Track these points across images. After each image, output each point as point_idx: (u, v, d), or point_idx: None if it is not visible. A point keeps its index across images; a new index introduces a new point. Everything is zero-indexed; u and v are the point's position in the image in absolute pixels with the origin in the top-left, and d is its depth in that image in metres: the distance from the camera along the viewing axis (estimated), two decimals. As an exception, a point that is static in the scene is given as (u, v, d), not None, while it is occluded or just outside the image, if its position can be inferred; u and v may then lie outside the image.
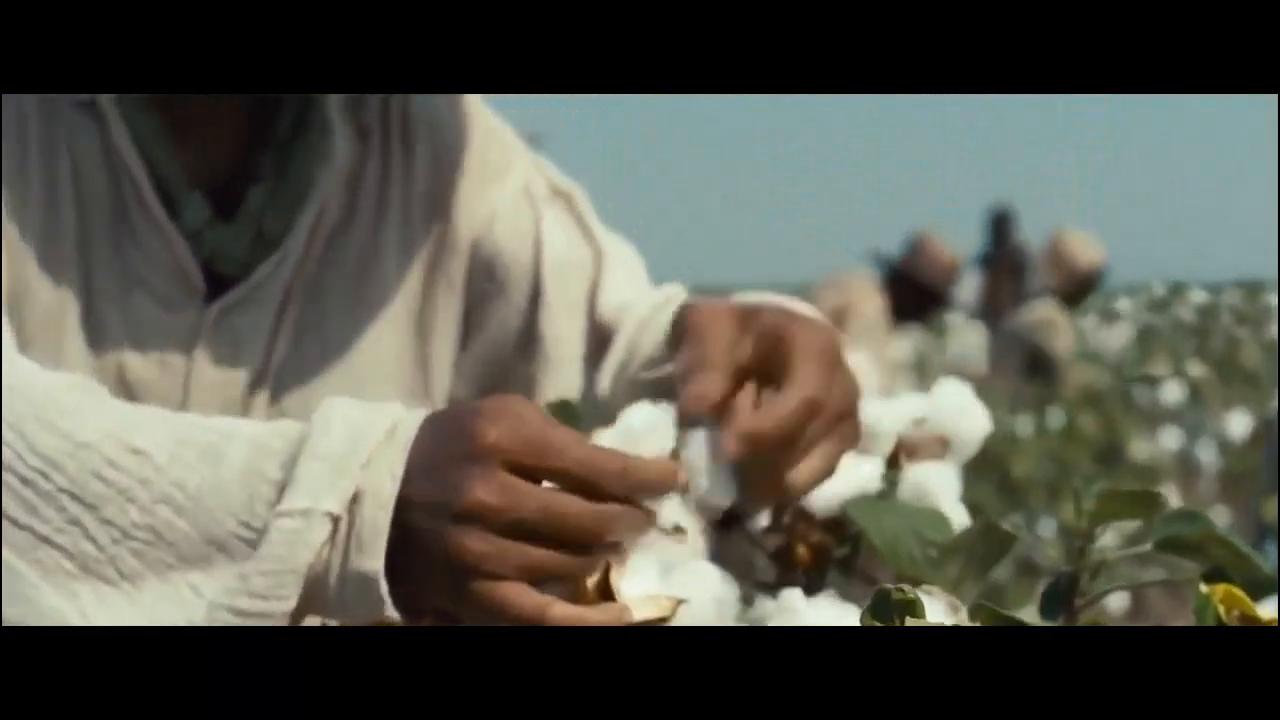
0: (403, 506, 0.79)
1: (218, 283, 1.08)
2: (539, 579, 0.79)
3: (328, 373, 1.12)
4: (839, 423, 0.89)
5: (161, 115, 1.06)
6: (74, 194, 1.05)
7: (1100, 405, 5.66)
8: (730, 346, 0.91)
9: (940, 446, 0.94)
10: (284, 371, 1.11)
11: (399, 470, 0.79)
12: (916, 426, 0.95)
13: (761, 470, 0.87)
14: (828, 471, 0.89)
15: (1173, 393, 6.25)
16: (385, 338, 1.14)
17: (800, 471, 0.88)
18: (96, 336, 1.05)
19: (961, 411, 0.94)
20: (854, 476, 0.93)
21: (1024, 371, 5.75)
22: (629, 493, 0.81)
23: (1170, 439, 5.64)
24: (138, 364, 1.06)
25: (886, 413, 0.95)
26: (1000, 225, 8.68)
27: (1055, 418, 5.38)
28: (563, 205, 1.17)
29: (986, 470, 4.69)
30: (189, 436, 0.82)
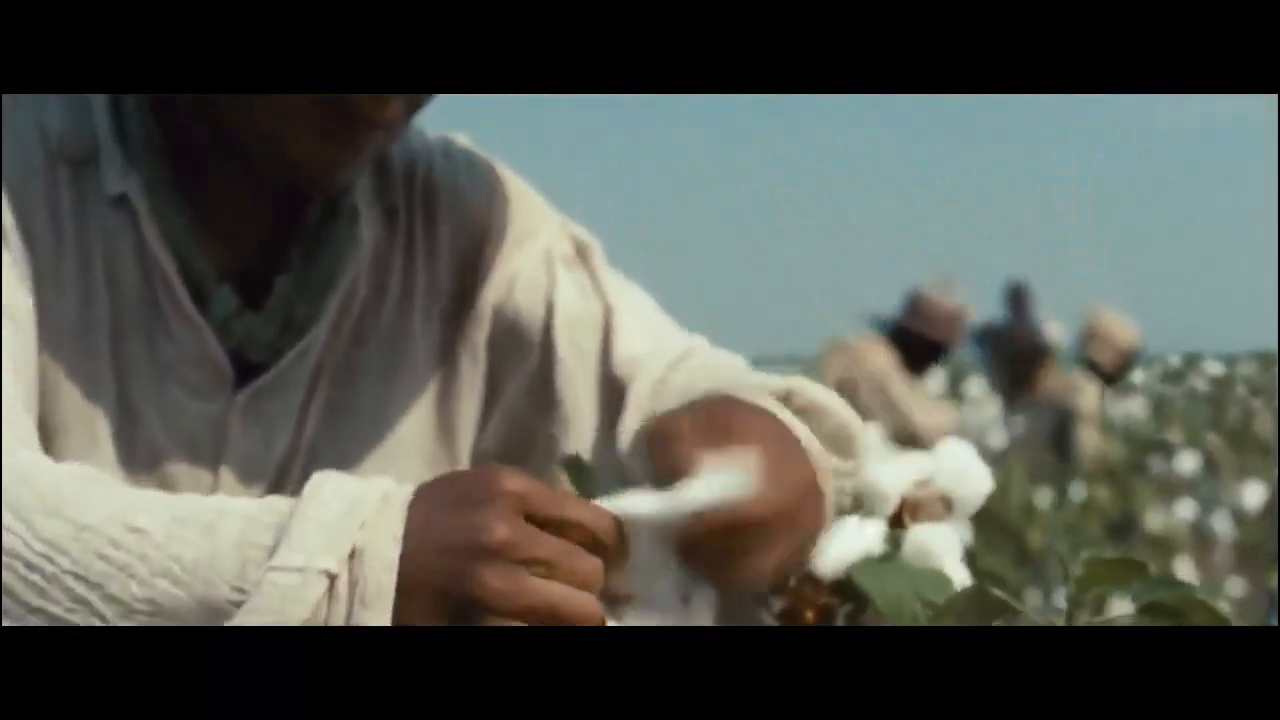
0: (417, 551, 0.81)
1: (247, 368, 1.10)
2: (544, 620, 0.81)
3: (359, 448, 1.14)
4: (783, 529, 0.89)
5: (191, 211, 1.08)
6: (107, 289, 1.07)
7: (1115, 476, 5.65)
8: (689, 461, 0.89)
9: (943, 506, 0.96)
10: (315, 450, 1.12)
11: (399, 532, 0.81)
12: (920, 487, 0.96)
13: (715, 567, 0.88)
14: (772, 571, 0.90)
15: (1188, 464, 6.23)
16: (413, 409, 1.16)
17: (755, 572, 0.88)
18: (129, 424, 1.07)
19: (964, 471, 0.96)
20: (859, 538, 0.94)
21: (1051, 441, 5.75)
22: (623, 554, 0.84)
23: (1185, 510, 5.61)
24: (170, 449, 1.08)
25: (890, 474, 0.96)
26: (1017, 300, 8.67)
27: (1075, 491, 5.37)
28: (579, 263, 1.19)
29: (1005, 541, 4.68)
30: (186, 515, 0.84)
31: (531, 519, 0.81)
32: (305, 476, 1.09)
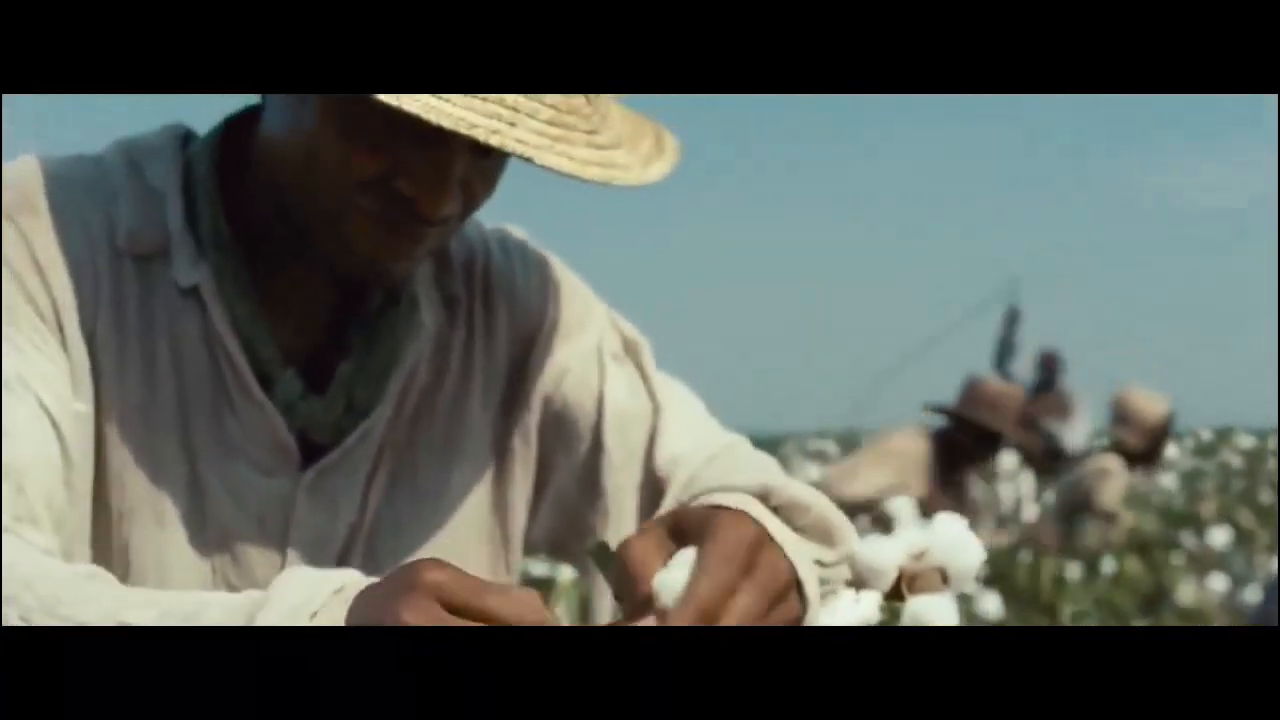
0: None
1: (312, 447, 1.15)
2: None
3: (418, 524, 1.19)
4: (761, 609, 0.89)
5: (257, 298, 1.13)
6: (174, 374, 1.12)
7: (1148, 550, 5.63)
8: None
9: (939, 578, 0.99)
10: (378, 523, 1.17)
11: (341, 618, 0.84)
12: (916, 560, 0.99)
13: None
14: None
15: (1220, 538, 6.21)
16: (470, 487, 1.21)
17: None
18: (198, 501, 1.12)
19: (957, 545, 0.99)
20: (855, 610, 0.97)
21: (1065, 522, 5.76)
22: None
23: (1218, 584, 5.59)
24: (239, 526, 1.13)
25: (886, 548, 0.99)
26: (1047, 366, 8.75)
27: (1107, 564, 5.37)
28: (629, 360, 1.23)
29: (1037, 614, 4.68)
30: (172, 609, 0.89)
31: (451, 608, 0.81)
32: (368, 550, 1.14)
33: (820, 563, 1.02)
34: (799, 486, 1.06)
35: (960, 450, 4.97)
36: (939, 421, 5.02)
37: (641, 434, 1.20)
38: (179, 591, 0.93)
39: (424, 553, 1.18)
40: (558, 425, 1.22)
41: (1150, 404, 5.95)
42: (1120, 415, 5.95)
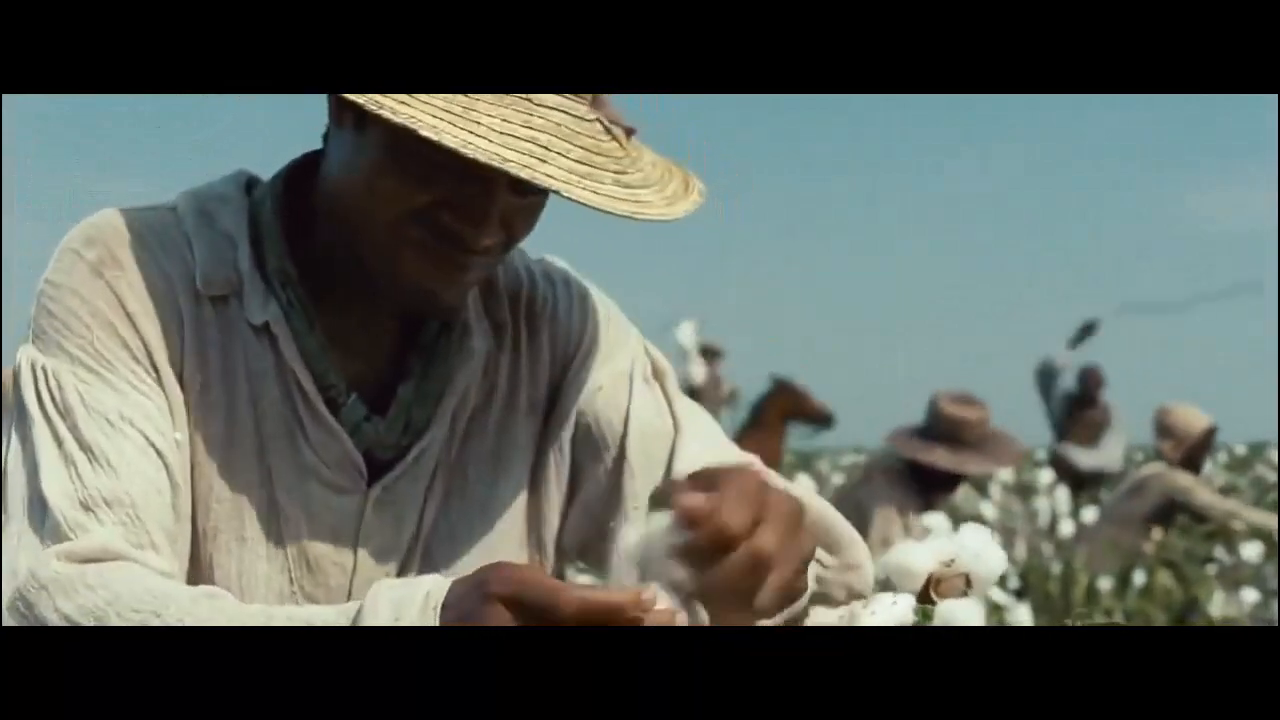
0: None
1: (375, 465, 1.26)
2: None
3: (469, 531, 1.30)
4: (782, 548, 0.97)
5: (322, 331, 1.24)
6: (251, 406, 1.23)
7: (1180, 563, 5.67)
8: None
9: (963, 582, 1.09)
10: (434, 532, 1.28)
11: (434, 622, 0.95)
12: (945, 566, 1.10)
13: (732, 598, 0.96)
14: (788, 588, 0.97)
15: (1252, 551, 6.23)
16: (513, 497, 1.32)
17: (763, 595, 0.96)
18: (276, 522, 1.23)
19: (981, 553, 1.09)
20: (894, 611, 1.08)
21: (1150, 519, 5.80)
22: (613, 621, 0.92)
23: (1250, 598, 5.62)
24: (315, 540, 1.24)
25: (919, 553, 1.10)
26: (1089, 381, 8.75)
27: (1138, 576, 5.40)
28: (656, 384, 1.34)
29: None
30: (281, 623, 1.01)
31: (527, 611, 0.92)
32: (424, 557, 1.25)
33: (822, 562, 1.14)
34: (803, 489, 1.16)
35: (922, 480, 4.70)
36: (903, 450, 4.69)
37: (663, 450, 1.31)
38: (288, 607, 1.04)
39: (474, 559, 1.29)
40: (588, 437, 1.32)
41: (1192, 418, 6.00)
42: (1163, 428, 6.00)
